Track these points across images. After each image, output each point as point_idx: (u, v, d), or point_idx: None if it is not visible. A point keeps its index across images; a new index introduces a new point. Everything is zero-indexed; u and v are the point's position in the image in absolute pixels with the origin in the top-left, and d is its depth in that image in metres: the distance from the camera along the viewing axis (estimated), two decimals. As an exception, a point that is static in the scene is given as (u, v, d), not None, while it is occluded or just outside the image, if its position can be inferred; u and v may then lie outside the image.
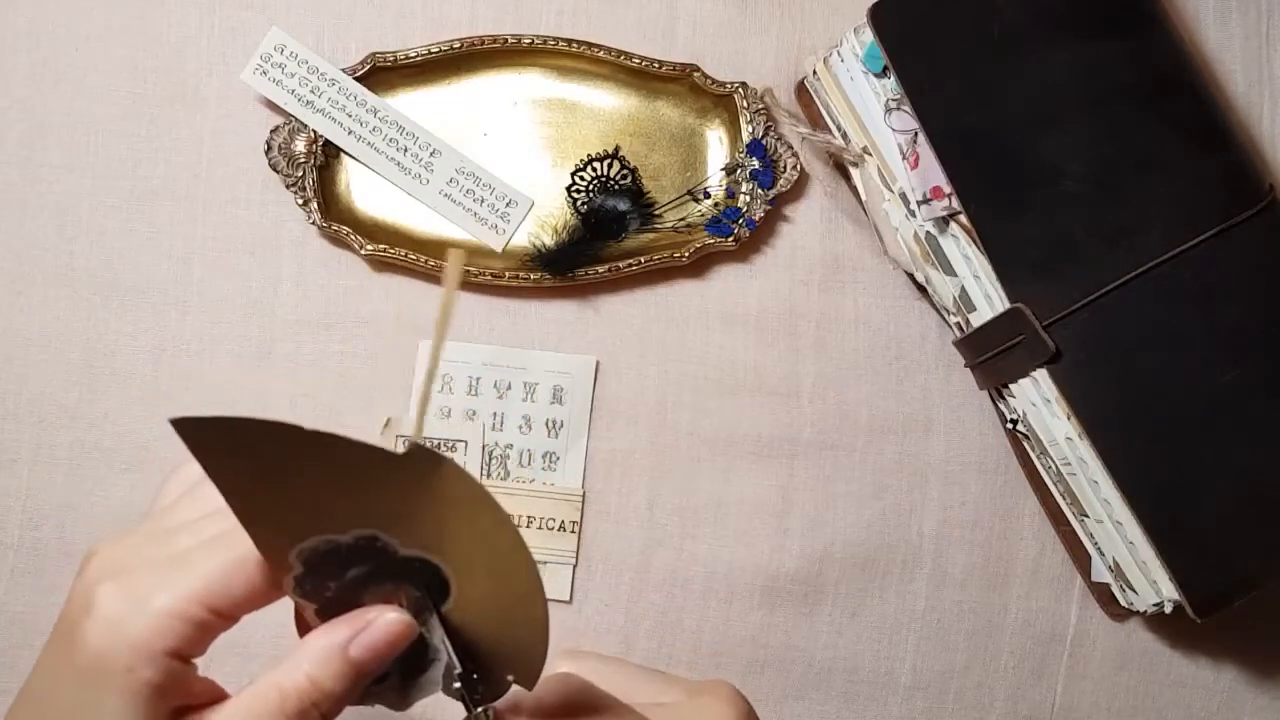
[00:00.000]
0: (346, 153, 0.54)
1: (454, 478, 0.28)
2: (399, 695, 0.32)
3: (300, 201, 0.54)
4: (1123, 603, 0.54)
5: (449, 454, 0.52)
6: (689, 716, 0.34)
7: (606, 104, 0.56)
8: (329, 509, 0.29)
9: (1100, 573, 0.55)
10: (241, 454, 0.28)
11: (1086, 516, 0.53)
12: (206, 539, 0.30)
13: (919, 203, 0.51)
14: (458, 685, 0.31)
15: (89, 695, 0.28)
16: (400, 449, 0.28)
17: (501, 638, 0.31)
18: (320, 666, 0.28)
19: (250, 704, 0.28)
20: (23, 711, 0.30)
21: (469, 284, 0.55)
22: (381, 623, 0.29)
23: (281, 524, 0.29)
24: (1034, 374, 0.50)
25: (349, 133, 0.54)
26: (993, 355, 0.52)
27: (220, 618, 0.29)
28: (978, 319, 0.52)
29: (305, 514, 0.29)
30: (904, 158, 0.52)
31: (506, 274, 0.54)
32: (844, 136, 0.54)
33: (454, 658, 0.30)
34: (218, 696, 0.30)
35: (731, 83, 0.55)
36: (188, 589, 0.28)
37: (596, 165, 0.55)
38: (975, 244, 0.50)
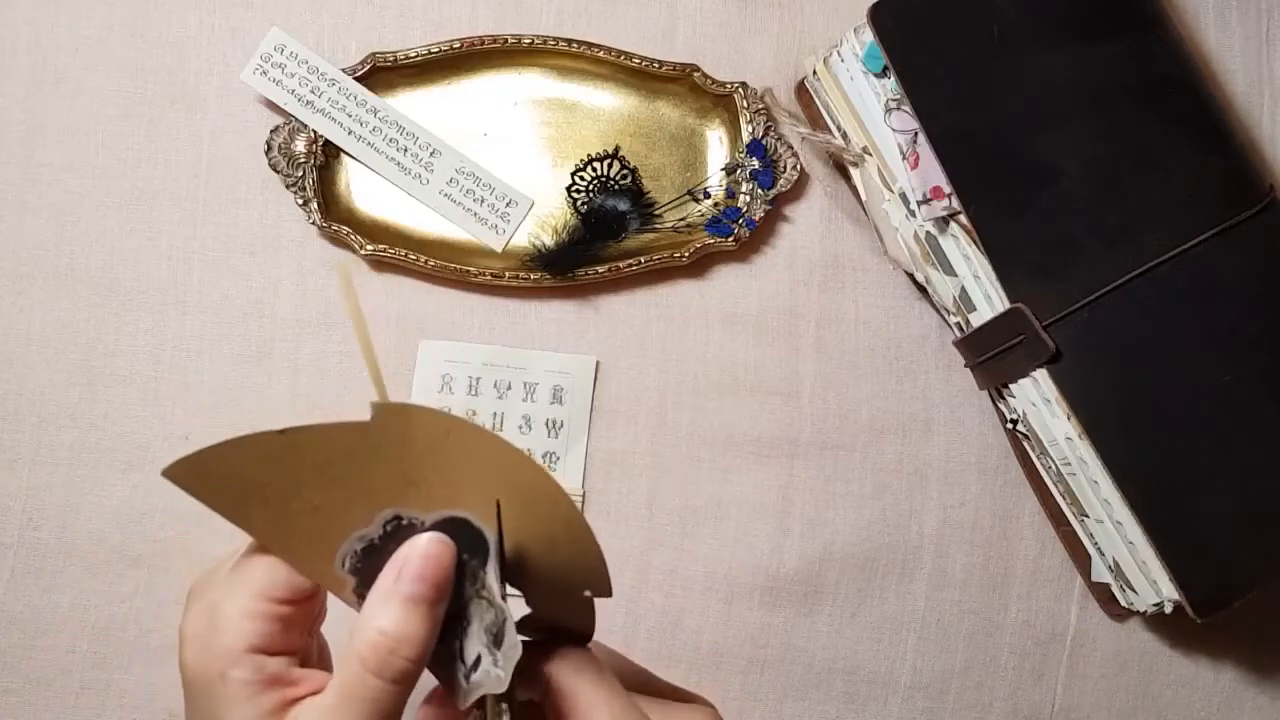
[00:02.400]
0: (346, 153, 0.54)
1: (425, 419, 0.28)
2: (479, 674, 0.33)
3: (300, 201, 0.54)
4: (1123, 603, 0.54)
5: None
6: (671, 713, 0.34)
7: (606, 104, 0.56)
8: (341, 506, 0.29)
9: (1100, 573, 0.55)
10: (235, 482, 0.28)
11: (1086, 516, 0.53)
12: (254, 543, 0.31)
13: (919, 203, 0.51)
14: (514, 633, 0.31)
15: (205, 711, 0.30)
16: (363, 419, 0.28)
17: (557, 561, 0.31)
18: (381, 615, 0.29)
19: (339, 678, 0.30)
20: None
21: (469, 284, 0.55)
22: (416, 550, 0.30)
23: (310, 539, 0.30)
24: (1034, 374, 0.50)
25: (349, 133, 0.54)
26: (993, 355, 0.52)
27: (288, 604, 0.30)
28: (978, 319, 0.52)
29: (324, 520, 0.29)
30: (904, 158, 0.52)
31: (506, 274, 0.54)
32: (844, 136, 0.54)
33: (501, 602, 0.30)
34: (326, 682, 0.31)
35: (731, 83, 0.55)
36: (247, 589, 0.30)
37: (596, 165, 0.55)
38: (975, 244, 0.50)
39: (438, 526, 0.30)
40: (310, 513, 0.29)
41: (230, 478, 0.29)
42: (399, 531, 0.30)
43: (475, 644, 0.31)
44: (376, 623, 0.29)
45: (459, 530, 0.30)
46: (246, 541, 0.32)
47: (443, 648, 0.31)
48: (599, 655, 0.35)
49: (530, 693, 0.33)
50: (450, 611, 0.31)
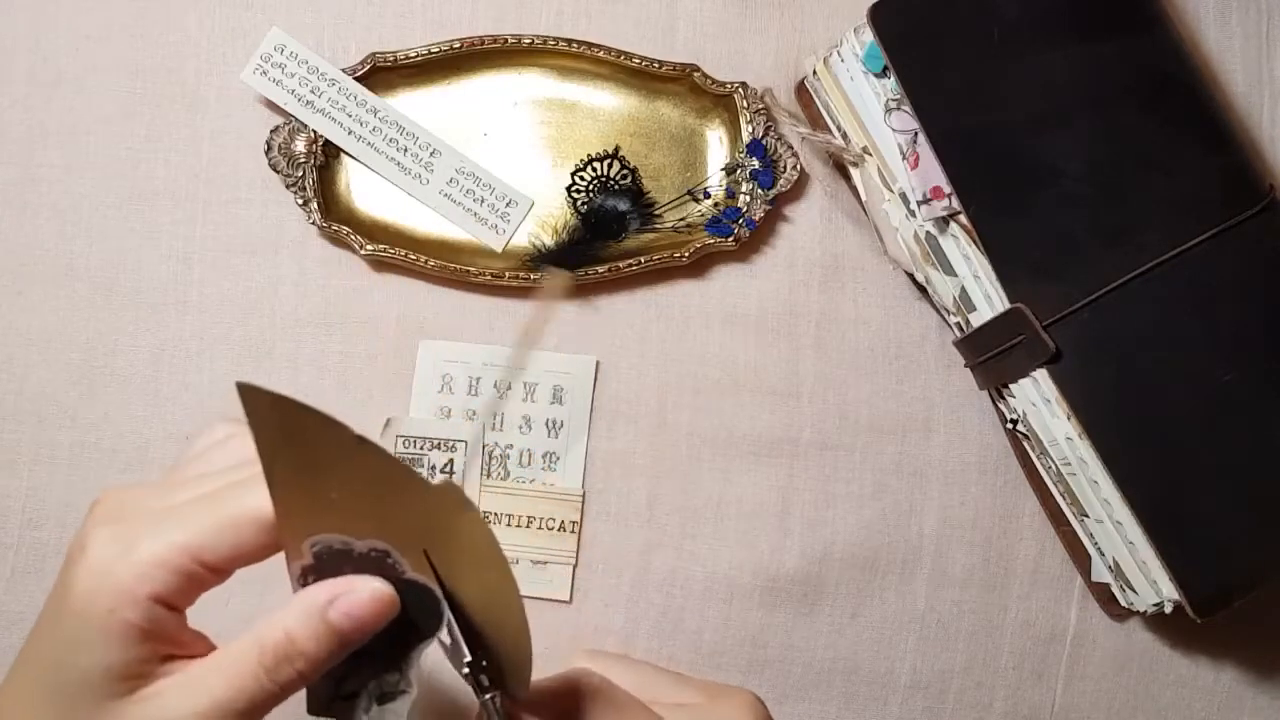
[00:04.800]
0: (346, 153, 0.54)
1: (474, 524, 0.29)
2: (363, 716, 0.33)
3: (300, 201, 0.54)
4: (1123, 603, 0.54)
5: (450, 455, 0.52)
6: (708, 717, 0.34)
7: (606, 104, 0.56)
8: (355, 513, 0.29)
9: (1100, 573, 0.55)
10: (293, 437, 0.28)
11: (1086, 516, 0.53)
12: (204, 494, 0.30)
13: (919, 203, 0.51)
14: (466, 671, 0.31)
15: (75, 633, 0.29)
16: (436, 480, 0.29)
17: (494, 650, 0.32)
18: (299, 623, 0.29)
19: (232, 654, 0.29)
20: (25, 650, 0.31)
21: (469, 284, 0.55)
22: (365, 590, 0.30)
23: (308, 512, 0.29)
24: (1034, 374, 0.50)
25: (349, 133, 0.54)
26: (993, 355, 0.52)
27: (208, 570, 0.29)
28: (978, 319, 0.52)
29: (332, 510, 0.29)
30: (904, 158, 0.52)
31: (506, 274, 0.54)
32: (844, 136, 0.54)
33: (462, 644, 0.31)
34: (207, 649, 0.31)
35: (731, 83, 0.55)
36: (176, 539, 0.29)
37: (596, 165, 0.55)
38: (975, 244, 0.50)
39: (411, 583, 0.30)
40: (327, 500, 0.29)
41: (288, 432, 0.28)
42: (380, 563, 0.30)
43: (362, 689, 0.31)
44: (289, 626, 0.29)
45: (422, 597, 0.30)
46: (190, 482, 0.31)
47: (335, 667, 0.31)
48: (621, 670, 0.34)
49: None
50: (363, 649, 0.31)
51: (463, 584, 0.30)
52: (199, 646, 0.31)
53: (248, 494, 0.30)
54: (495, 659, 0.32)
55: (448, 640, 0.31)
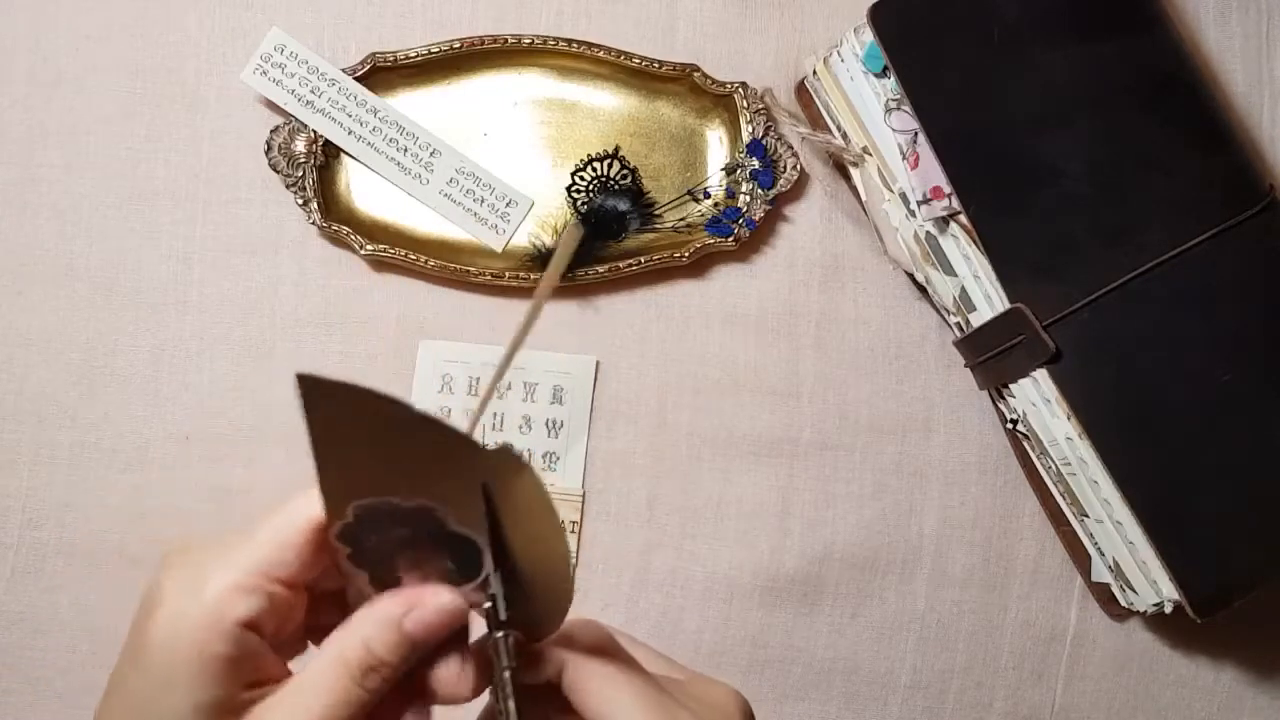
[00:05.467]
0: (346, 153, 0.54)
1: (530, 485, 0.30)
2: None
3: (300, 201, 0.54)
4: (1123, 603, 0.54)
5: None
6: (696, 691, 0.34)
7: (606, 104, 0.56)
8: (403, 478, 0.30)
9: (1100, 573, 0.55)
10: (344, 414, 0.29)
11: (1086, 516, 0.53)
12: (258, 522, 0.31)
13: (919, 203, 0.51)
14: (488, 605, 0.32)
15: (162, 676, 0.29)
16: (491, 447, 0.30)
17: (524, 614, 0.33)
18: (376, 635, 0.30)
19: (318, 672, 0.30)
20: (106, 702, 0.32)
21: (469, 284, 0.55)
22: (436, 603, 0.31)
23: (354, 480, 0.30)
24: (1034, 374, 0.50)
25: (349, 133, 0.54)
26: (993, 355, 0.52)
27: (283, 585, 0.30)
28: (978, 319, 0.52)
29: (380, 477, 0.30)
30: (904, 158, 0.52)
31: (506, 274, 0.54)
32: (844, 136, 0.54)
33: (495, 583, 0.31)
34: (286, 673, 0.31)
35: (731, 83, 0.55)
36: (244, 563, 0.30)
37: (596, 165, 0.55)
38: (975, 244, 0.50)
39: (454, 535, 0.31)
40: (374, 469, 0.30)
41: (345, 416, 0.29)
42: (424, 516, 0.31)
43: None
44: (367, 638, 0.30)
45: (468, 549, 0.31)
46: (238, 529, 0.32)
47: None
48: (619, 640, 0.35)
49: (541, 675, 0.33)
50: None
51: (511, 530, 0.31)
52: (280, 671, 0.31)
53: (296, 502, 0.31)
54: (529, 608, 0.32)
55: (488, 589, 0.32)
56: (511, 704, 0.30)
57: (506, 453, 0.29)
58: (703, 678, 0.36)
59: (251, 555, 0.30)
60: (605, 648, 0.33)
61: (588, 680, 0.32)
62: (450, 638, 0.32)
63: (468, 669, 0.32)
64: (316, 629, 0.33)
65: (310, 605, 0.32)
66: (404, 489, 0.30)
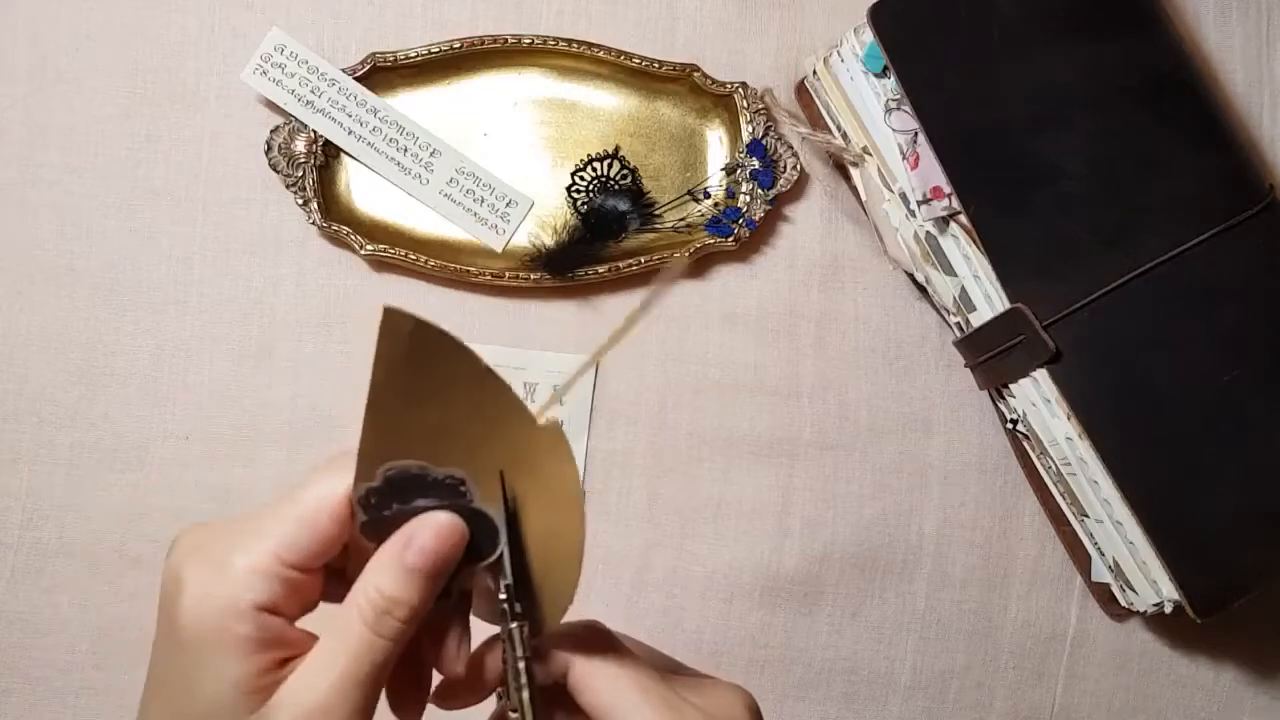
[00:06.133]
0: (346, 153, 0.54)
1: (565, 467, 0.31)
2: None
3: (300, 201, 0.54)
4: (1123, 603, 0.54)
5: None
6: (703, 689, 0.34)
7: (606, 104, 0.56)
8: (448, 440, 0.31)
9: (1100, 573, 0.55)
10: (420, 360, 0.30)
11: (1086, 516, 0.53)
12: (276, 502, 0.32)
13: (919, 203, 0.51)
14: (503, 596, 0.32)
15: (195, 660, 0.30)
16: (543, 422, 0.31)
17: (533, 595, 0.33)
18: (384, 576, 0.31)
19: (337, 628, 0.31)
20: (147, 693, 0.32)
21: (469, 284, 0.55)
22: (430, 524, 0.31)
23: (397, 437, 0.31)
24: (1034, 374, 0.50)
25: (349, 133, 0.54)
26: (993, 355, 0.52)
27: (299, 570, 0.31)
28: (978, 319, 0.52)
29: (424, 437, 0.31)
30: (904, 158, 0.52)
31: (506, 274, 0.54)
32: (844, 136, 0.54)
33: (508, 570, 0.32)
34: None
35: (731, 83, 0.55)
36: (260, 547, 0.30)
37: (596, 165, 0.55)
38: (975, 244, 0.50)
39: (476, 512, 0.32)
40: (421, 423, 0.31)
41: (417, 355, 0.30)
42: (451, 490, 0.32)
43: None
44: (377, 582, 0.30)
45: (485, 525, 0.32)
46: (266, 506, 0.32)
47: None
48: (625, 641, 0.35)
49: (547, 674, 0.33)
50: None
51: (532, 518, 0.32)
52: (310, 643, 0.32)
53: (314, 486, 0.31)
54: (536, 595, 0.33)
55: (497, 570, 0.33)
56: (526, 695, 0.31)
57: (555, 429, 0.31)
58: (709, 677, 0.36)
59: (267, 541, 0.31)
60: (610, 646, 0.34)
61: (594, 679, 0.32)
62: (450, 611, 0.33)
63: (465, 643, 0.32)
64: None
65: (330, 579, 0.33)
66: (441, 452, 0.31)
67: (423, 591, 0.31)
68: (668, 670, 0.36)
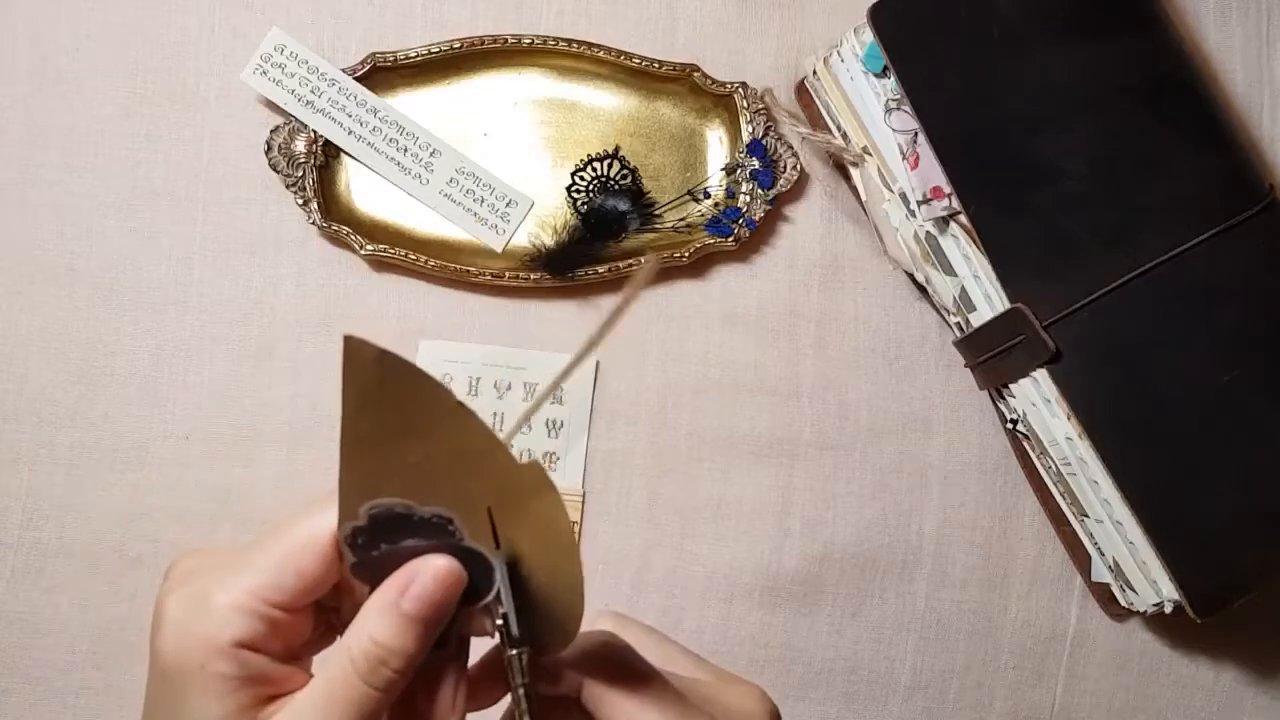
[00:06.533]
0: (346, 153, 0.54)
1: (552, 504, 0.29)
2: None
3: (300, 201, 0.54)
4: (1123, 603, 0.54)
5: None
6: (721, 697, 0.34)
7: (606, 104, 0.56)
8: (430, 479, 0.30)
9: (1100, 573, 0.55)
10: (389, 395, 0.29)
11: (1086, 516, 0.53)
12: (263, 536, 0.31)
13: (919, 203, 0.51)
14: (499, 622, 0.31)
15: (177, 693, 0.29)
16: (521, 460, 0.29)
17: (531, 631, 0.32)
18: (379, 625, 0.29)
19: (328, 676, 0.29)
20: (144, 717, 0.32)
21: (469, 284, 0.55)
22: (429, 570, 0.30)
23: (378, 475, 0.30)
24: (1034, 374, 0.50)
25: (349, 133, 0.54)
26: (993, 355, 0.52)
27: (280, 609, 0.30)
28: (978, 319, 0.52)
29: (405, 474, 0.30)
30: (904, 158, 0.52)
31: (506, 274, 0.54)
32: (844, 136, 0.54)
33: (506, 597, 0.31)
34: (307, 681, 0.31)
35: (731, 83, 0.55)
36: (242, 584, 0.29)
37: (596, 165, 0.55)
38: (975, 244, 0.50)
39: (468, 550, 0.31)
40: (401, 462, 0.30)
41: (386, 390, 0.29)
42: (439, 529, 0.30)
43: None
44: (371, 631, 0.29)
45: (478, 563, 0.31)
46: (255, 539, 0.31)
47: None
48: (642, 638, 0.34)
49: (559, 687, 0.32)
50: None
51: (526, 556, 0.31)
52: (300, 680, 0.31)
53: (300, 524, 0.30)
54: (538, 626, 0.32)
55: (498, 606, 0.32)
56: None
57: (537, 468, 0.29)
58: (727, 676, 0.35)
59: (249, 578, 0.30)
60: (626, 664, 0.33)
61: (610, 694, 0.32)
62: (447, 661, 0.31)
63: (461, 693, 0.31)
64: (331, 631, 0.33)
65: (322, 616, 0.32)
66: (425, 492, 0.30)
67: (420, 640, 0.29)
68: (689, 667, 0.35)
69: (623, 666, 0.33)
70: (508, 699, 0.33)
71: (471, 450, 0.29)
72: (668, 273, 0.56)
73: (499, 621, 0.31)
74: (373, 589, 0.31)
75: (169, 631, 0.29)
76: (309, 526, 0.30)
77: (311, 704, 0.29)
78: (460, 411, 0.29)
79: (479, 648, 0.33)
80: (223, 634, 0.29)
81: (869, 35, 0.51)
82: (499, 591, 0.31)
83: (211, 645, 0.29)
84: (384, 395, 0.29)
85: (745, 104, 0.55)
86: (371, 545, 0.30)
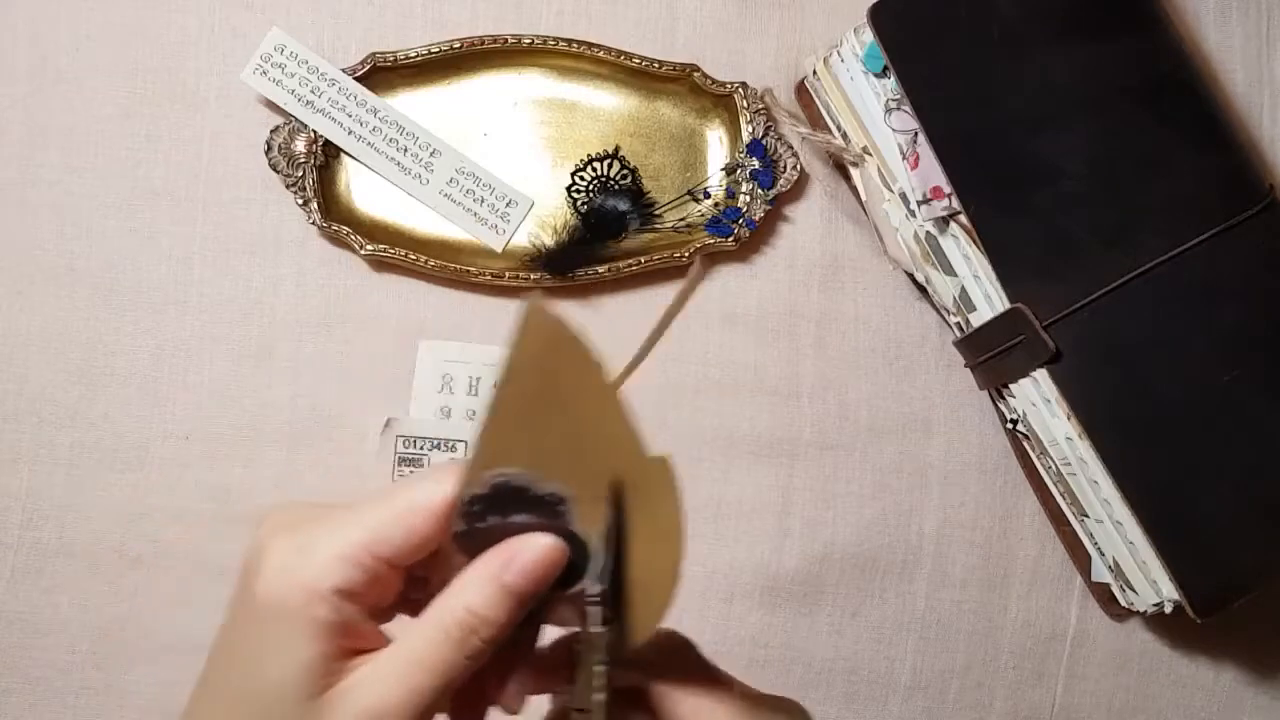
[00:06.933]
0: (346, 153, 0.54)
1: (668, 502, 0.31)
2: None
3: (300, 201, 0.54)
4: (1123, 603, 0.54)
5: (451, 455, 0.53)
6: (775, 706, 0.35)
7: (606, 104, 0.56)
8: (557, 455, 0.31)
9: (1100, 573, 0.55)
10: (553, 365, 0.30)
11: (1086, 516, 0.53)
12: (374, 495, 0.31)
13: (919, 203, 0.51)
14: (593, 599, 0.32)
15: (268, 637, 0.30)
16: (649, 456, 0.31)
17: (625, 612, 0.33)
18: (477, 594, 0.30)
19: (418, 638, 0.30)
20: (212, 665, 0.32)
21: (469, 284, 0.55)
22: (533, 547, 0.31)
23: (514, 443, 0.30)
24: (1034, 374, 0.50)
25: (349, 133, 0.54)
26: (993, 355, 0.52)
27: (385, 565, 0.31)
28: (978, 319, 0.52)
29: (541, 447, 0.30)
30: (904, 158, 0.52)
31: (506, 274, 0.54)
32: (844, 136, 0.54)
33: (607, 572, 0.32)
34: (386, 642, 0.32)
35: (731, 83, 0.55)
36: (352, 536, 0.30)
37: (596, 165, 0.55)
38: (975, 244, 0.50)
39: (572, 534, 0.31)
40: (542, 432, 0.30)
41: (552, 358, 0.30)
42: (551, 509, 0.31)
43: None
44: (469, 599, 0.30)
45: (580, 549, 0.32)
46: (360, 500, 0.32)
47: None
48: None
49: (630, 678, 0.33)
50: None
51: (629, 545, 0.32)
52: (380, 640, 0.32)
53: (417, 487, 0.31)
54: (623, 612, 0.33)
55: (593, 586, 0.32)
56: (602, 696, 0.31)
57: (665, 465, 0.30)
58: (769, 695, 0.36)
59: (359, 530, 0.30)
60: (699, 664, 0.34)
61: (681, 691, 0.33)
62: (521, 641, 0.32)
63: (528, 681, 0.32)
64: (407, 603, 0.33)
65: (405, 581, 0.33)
66: (550, 467, 0.31)
67: (512, 614, 0.30)
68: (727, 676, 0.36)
69: (694, 664, 0.34)
70: (544, 698, 0.34)
71: (607, 435, 0.31)
72: (668, 272, 0.56)
73: (594, 598, 0.32)
74: (469, 560, 0.32)
75: (271, 574, 0.30)
76: (424, 490, 0.31)
77: (396, 662, 0.30)
78: (609, 394, 0.30)
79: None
80: (326, 580, 0.29)
81: (869, 35, 0.51)
82: (592, 577, 0.32)
83: (314, 589, 0.29)
84: (546, 363, 0.30)
85: (745, 104, 0.55)
86: (482, 516, 0.31)
